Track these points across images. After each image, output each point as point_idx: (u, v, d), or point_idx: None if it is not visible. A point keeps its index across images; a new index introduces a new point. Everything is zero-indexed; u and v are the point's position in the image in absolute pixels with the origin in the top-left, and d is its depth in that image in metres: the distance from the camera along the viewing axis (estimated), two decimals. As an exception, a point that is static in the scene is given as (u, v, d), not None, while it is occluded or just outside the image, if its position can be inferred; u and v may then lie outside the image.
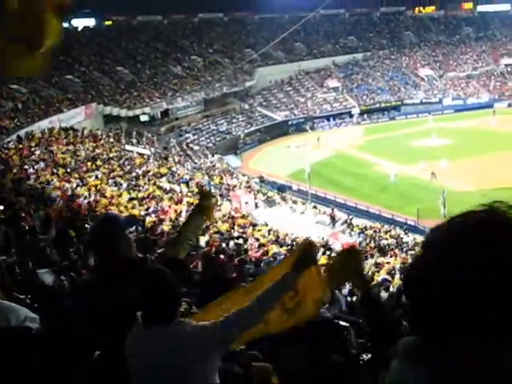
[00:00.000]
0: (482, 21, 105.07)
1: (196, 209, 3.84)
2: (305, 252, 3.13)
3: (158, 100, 67.74)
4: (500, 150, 49.38)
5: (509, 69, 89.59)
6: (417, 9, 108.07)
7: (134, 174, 36.42)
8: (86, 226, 14.32)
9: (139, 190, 31.98)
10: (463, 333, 1.01)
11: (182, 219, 24.92)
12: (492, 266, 1.01)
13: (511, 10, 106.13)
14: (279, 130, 70.09)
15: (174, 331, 2.97)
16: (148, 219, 23.74)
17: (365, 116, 76.65)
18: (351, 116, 76.49)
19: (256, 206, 38.15)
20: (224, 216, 29.82)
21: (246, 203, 36.92)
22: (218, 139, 65.27)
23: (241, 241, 22.79)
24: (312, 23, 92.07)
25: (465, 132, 60.23)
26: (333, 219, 36.18)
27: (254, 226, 30.64)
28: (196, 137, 64.32)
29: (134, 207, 26.23)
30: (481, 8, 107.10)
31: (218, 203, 31.66)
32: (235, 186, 41.65)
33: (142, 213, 25.36)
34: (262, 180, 48.30)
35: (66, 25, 77.23)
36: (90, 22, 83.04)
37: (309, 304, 3.25)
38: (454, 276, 1.03)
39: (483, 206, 1.22)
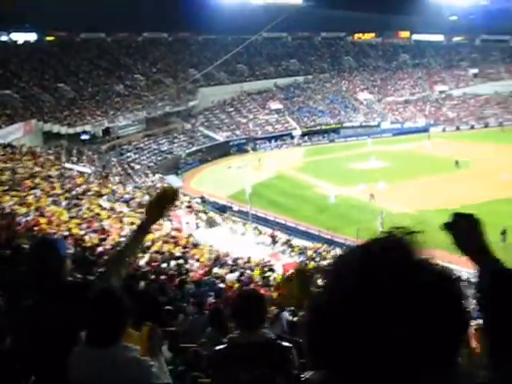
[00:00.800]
0: (418, 49, 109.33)
1: (140, 225, 3.57)
2: (161, 198, 3.33)
3: (100, 118, 67.09)
4: (435, 173, 51.31)
5: (443, 95, 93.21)
6: (356, 35, 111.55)
7: (74, 193, 35.90)
8: (24, 246, 14.11)
9: (79, 209, 31.54)
10: (373, 362, 0.97)
11: (124, 239, 24.77)
12: (388, 291, 0.99)
13: (444, 41, 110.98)
14: (221, 151, 70.40)
15: (114, 355, 2.93)
16: (87, 239, 23.48)
17: (305, 138, 78.05)
18: (292, 138, 77.76)
19: (197, 226, 38.16)
20: (165, 236, 29.74)
21: (187, 223, 36.89)
22: (159, 158, 64.99)
23: (182, 261, 22.83)
24: (255, 45, 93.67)
25: (402, 155, 62.14)
26: (273, 240, 36.53)
27: (195, 246, 30.67)
28: (137, 156, 63.87)
29: (73, 226, 25.88)
30: (416, 37, 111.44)
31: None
32: (176, 206, 41.53)
33: (82, 232, 25.05)
34: (203, 200, 48.36)
35: (4, 38, 75.77)
36: (31, 37, 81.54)
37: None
38: (357, 303, 0.99)
39: (383, 233, 1.16)
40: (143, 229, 3.44)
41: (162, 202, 3.26)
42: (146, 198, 41.26)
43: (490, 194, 42.72)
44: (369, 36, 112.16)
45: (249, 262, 27.16)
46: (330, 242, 35.69)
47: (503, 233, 32.80)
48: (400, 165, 56.80)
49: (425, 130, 78.52)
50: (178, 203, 42.11)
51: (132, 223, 28.40)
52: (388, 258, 1.06)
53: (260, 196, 45.23)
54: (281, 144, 76.34)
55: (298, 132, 78.33)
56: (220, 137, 74.18)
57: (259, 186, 49.74)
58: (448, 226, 1.89)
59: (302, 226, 39.30)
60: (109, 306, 3.00)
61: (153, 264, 20.29)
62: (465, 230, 1.82)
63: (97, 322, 3.01)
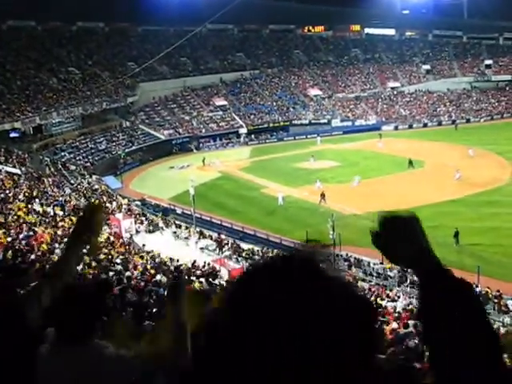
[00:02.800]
0: (370, 43, 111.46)
1: (75, 232, 3.28)
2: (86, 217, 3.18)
3: (31, 114, 65.87)
4: (387, 172, 52.63)
5: (395, 92, 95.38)
6: (306, 28, 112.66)
7: (2, 196, 35.37)
8: None
9: (8, 214, 31.10)
10: None
11: (58, 245, 24.66)
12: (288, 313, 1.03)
13: (396, 35, 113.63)
14: (162, 150, 70.17)
15: (88, 353, 2.88)
16: (18, 246, 23.26)
17: (252, 136, 78.65)
18: (238, 136, 78.29)
19: (137, 230, 38.12)
20: (103, 242, 29.64)
21: (127, 228, 36.83)
22: (96, 158, 64.30)
23: (121, 268, 22.87)
24: (199, 38, 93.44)
25: (353, 154, 63.45)
26: (219, 244, 36.79)
27: (136, 251, 30.71)
28: (72, 155, 63.00)
29: (1, 233, 25.55)
30: (368, 30, 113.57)
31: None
32: (114, 210, 41.29)
33: (10, 239, 24.76)
34: (143, 203, 48.27)
35: None
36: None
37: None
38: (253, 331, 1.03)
39: (290, 252, 1.19)
40: (70, 248, 3.26)
41: (89, 220, 3.13)
42: (83, 200, 40.97)
43: (443, 195, 44.19)
44: (319, 29, 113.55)
45: (193, 268, 27.40)
46: (279, 246, 36.14)
47: (456, 235, 33.97)
48: (350, 164, 58.00)
49: (377, 128, 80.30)
50: (116, 206, 41.96)
51: (67, 228, 28.23)
52: (290, 276, 1.06)
53: (204, 198, 45.46)
54: (226, 143, 76.76)
55: (244, 130, 78.82)
56: (162, 135, 73.99)
57: (203, 187, 50.01)
58: (376, 236, 1.62)
59: (250, 229, 39.66)
60: (78, 302, 3.00)
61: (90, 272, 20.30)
62: (399, 234, 1.53)
63: (68, 318, 2.96)
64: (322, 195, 44.72)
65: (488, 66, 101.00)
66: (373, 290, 27.83)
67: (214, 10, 74.55)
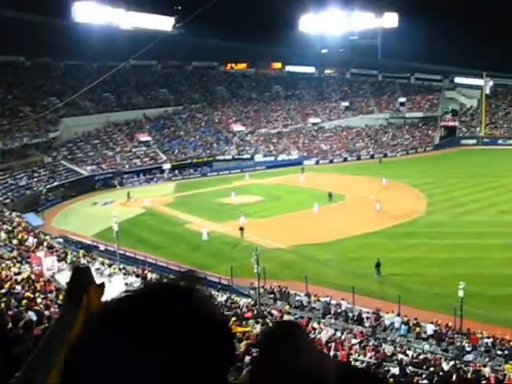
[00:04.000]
0: (291, 80, 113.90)
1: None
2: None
3: None
4: (308, 206, 53.30)
5: (315, 128, 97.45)
6: (229, 65, 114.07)
7: None
8: None
9: None
10: None
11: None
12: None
13: (316, 73, 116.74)
14: (85, 186, 68.77)
15: None
16: None
17: (176, 172, 78.23)
18: (162, 171, 77.66)
19: (59, 268, 36.98)
20: (23, 281, 28.57)
21: (49, 266, 35.68)
22: (16, 195, 62.25)
23: (42, 307, 22.08)
24: (122, 73, 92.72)
25: (275, 189, 64.04)
26: (144, 280, 36.15)
27: (58, 290, 29.72)
28: (-9, 192, 60.82)
29: None
30: (289, 68, 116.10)
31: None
32: (36, 247, 40.00)
33: None
34: (65, 240, 46.93)
35: None
36: None
37: None
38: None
39: (167, 282, 1.20)
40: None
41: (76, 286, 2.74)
42: (2, 235, 39.60)
43: (364, 227, 45.14)
44: (241, 66, 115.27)
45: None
46: (204, 282, 35.71)
47: (377, 266, 34.59)
48: (273, 199, 58.56)
49: (298, 162, 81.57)
50: (37, 243, 40.66)
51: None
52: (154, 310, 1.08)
53: (128, 234, 44.71)
54: (150, 178, 75.99)
55: (168, 165, 78.39)
56: (84, 171, 72.57)
57: (127, 223, 49.19)
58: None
59: (174, 265, 39.11)
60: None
61: (10, 312, 19.46)
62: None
63: None
64: (241, 229, 45.07)
65: (402, 104, 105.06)
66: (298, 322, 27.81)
67: (137, 47, 74.22)
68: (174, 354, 1.05)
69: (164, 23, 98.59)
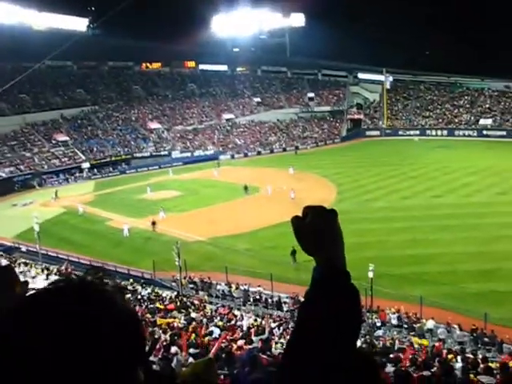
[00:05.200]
0: (204, 78, 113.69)
1: None
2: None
3: None
4: (225, 199, 53.75)
5: (230, 123, 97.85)
6: (144, 64, 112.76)
7: None
8: None
9: None
10: None
11: None
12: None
13: (228, 71, 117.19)
14: (4, 188, 65.97)
15: None
16: None
17: (95, 170, 76.73)
18: (81, 171, 75.94)
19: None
20: None
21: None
22: None
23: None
24: (38, 74, 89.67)
25: (193, 183, 64.05)
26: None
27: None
28: None
29: None
30: (202, 66, 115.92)
31: None
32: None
33: None
34: (-15, 242, 45.22)
35: None
36: None
37: None
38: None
39: (71, 278, 1.17)
40: None
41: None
42: None
43: (279, 217, 45.70)
44: (156, 65, 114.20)
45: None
46: (128, 276, 35.48)
47: (293, 253, 35.10)
48: (191, 193, 58.56)
49: (215, 157, 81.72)
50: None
51: None
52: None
53: (50, 234, 43.60)
54: (70, 178, 74.11)
55: (87, 165, 76.74)
56: (2, 173, 69.90)
57: (48, 223, 47.99)
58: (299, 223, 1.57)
59: (97, 262, 38.49)
60: None
61: None
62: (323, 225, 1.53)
63: None
64: (154, 223, 45.12)
65: (310, 99, 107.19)
66: (220, 311, 28.07)
67: (52, 47, 72.11)
68: (83, 347, 1.04)
69: (78, 24, 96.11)
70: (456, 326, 25.04)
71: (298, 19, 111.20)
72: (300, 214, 1.58)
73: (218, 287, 33.21)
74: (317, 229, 1.53)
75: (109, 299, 1.14)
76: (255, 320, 26.63)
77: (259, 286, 31.94)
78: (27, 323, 1.05)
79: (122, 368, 1.10)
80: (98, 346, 1.05)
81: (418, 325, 26.25)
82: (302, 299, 1.48)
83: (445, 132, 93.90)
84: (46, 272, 35.99)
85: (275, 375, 1.51)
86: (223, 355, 13.80)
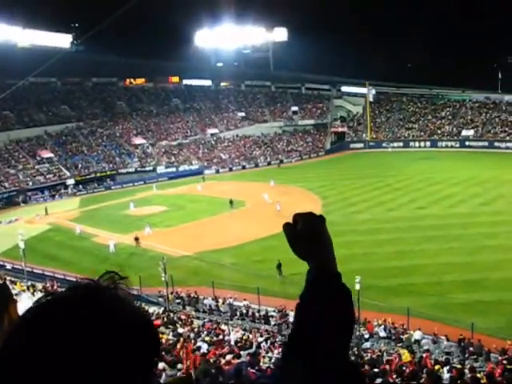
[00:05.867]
0: (188, 93, 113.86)
1: None
2: None
3: None
4: (211, 214, 53.71)
5: (214, 138, 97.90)
6: (128, 80, 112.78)
7: None
8: None
9: None
10: None
11: None
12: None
13: (212, 85, 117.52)
14: (-12, 205, 65.76)
15: None
16: None
17: (80, 187, 76.33)
18: (66, 187, 75.53)
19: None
20: None
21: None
22: None
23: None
24: (22, 91, 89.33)
25: (179, 198, 63.93)
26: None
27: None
28: None
29: None
30: (186, 82, 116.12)
31: None
32: None
33: None
34: (-30, 260, 44.72)
35: None
36: None
37: None
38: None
39: (87, 282, 1.20)
40: None
41: None
42: None
43: (265, 230, 45.68)
44: (140, 81, 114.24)
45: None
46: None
47: (278, 266, 35.13)
48: (178, 208, 58.42)
49: (199, 172, 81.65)
50: None
51: None
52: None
53: (35, 251, 43.20)
54: (55, 194, 73.62)
55: (71, 181, 76.41)
56: (-14, 190, 69.40)
57: (34, 240, 47.64)
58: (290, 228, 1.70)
59: (83, 279, 38.08)
60: None
61: None
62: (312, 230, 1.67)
63: None
64: (136, 239, 45.05)
65: (294, 112, 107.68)
66: (207, 326, 27.93)
67: (35, 64, 71.90)
68: (99, 350, 1.05)
69: (62, 40, 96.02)
70: (443, 337, 25.12)
71: (280, 34, 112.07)
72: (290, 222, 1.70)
73: (205, 301, 33.05)
74: (308, 234, 1.63)
75: (120, 303, 1.16)
76: (243, 334, 26.54)
77: (245, 299, 31.87)
78: (33, 330, 1.07)
79: (136, 370, 1.11)
80: (108, 348, 1.06)
81: (406, 336, 26.28)
82: (297, 303, 1.56)
83: (428, 143, 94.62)
84: (31, 289, 35.68)
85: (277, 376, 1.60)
86: (213, 370, 13.75)
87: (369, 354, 23.20)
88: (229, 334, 26.18)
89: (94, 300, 1.12)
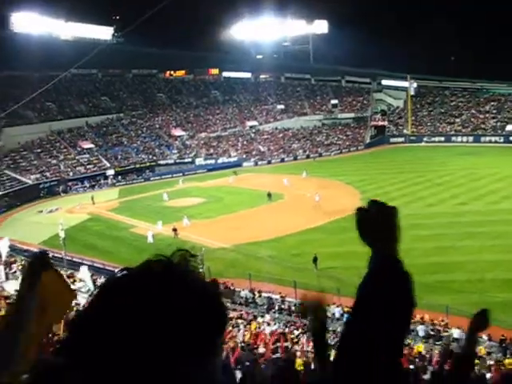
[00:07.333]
0: (228, 85, 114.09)
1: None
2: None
3: None
4: (249, 206, 53.70)
5: (253, 130, 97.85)
6: (168, 72, 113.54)
7: None
8: None
9: None
10: None
11: None
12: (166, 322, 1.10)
13: (252, 78, 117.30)
14: (30, 194, 66.90)
15: None
16: None
17: (120, 177, 77.22)
18: (106, 178, 76.54)
19: (6, 277, 36.00)
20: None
21: (-4, 275, 34.70)
22: (-40, 205, 60.23)
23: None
24: (64, 82, 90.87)
25: (217, 190, 64.08)
26: (95, 285, 35.59)
27: (7, 298, 28.96)
28: None
29: None
30: (226, 74, 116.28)
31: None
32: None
33: None
34: (12, 248, 45.64)
35: None
36: None
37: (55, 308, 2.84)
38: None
39: (161, 258, 1.26)
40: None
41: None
42: None
43: (304, 224, 45.59)
44: (180, 73, 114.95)
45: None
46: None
47: (314, 260, 35.01)
48: (216, 200, 58.58)
49: (238, 164, 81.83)
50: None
51: None
52: (167, 289, 1.15)
53: (75, 240, 43.94)
54: (94, 185, 74.64)
55: (111, 172, 77.30)
56: (28, 180, 70.69)
57: (73, 229, 48.40)
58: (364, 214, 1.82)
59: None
60: None
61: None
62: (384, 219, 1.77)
63: None
64: (175, 230, 45.13)
65: (334, 106, 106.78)
66: (244, 317, 27.93)
67: (77, 56, 72.97)
68: (170, 321, 1.11)
69: (103, 33, 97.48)
70: (485, 337, 24.59)
71: (321, 26, 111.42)
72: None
73: (242, 293, 33.07)
74: (379, 221, 1.76)
75: (191, 277, 1.22)
76: (279, 327, 26.47)
77: (280, 292, 31.76)
78: (111, 298, 1.16)
79: (204, 340, 1.17)
80: (179, 319, 1.12)
81: (446, 334, 25.84)
82: (359, 284, 1.69)
83: (470, 138, 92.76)
84: (71, 279, 36.18)
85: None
86: (247, 363, 13.68)
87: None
88: (265, 327, 26.13)
89: (167, 274, 1.19)
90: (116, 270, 1.26)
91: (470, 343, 3.87)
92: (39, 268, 2.58)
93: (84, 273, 35.74)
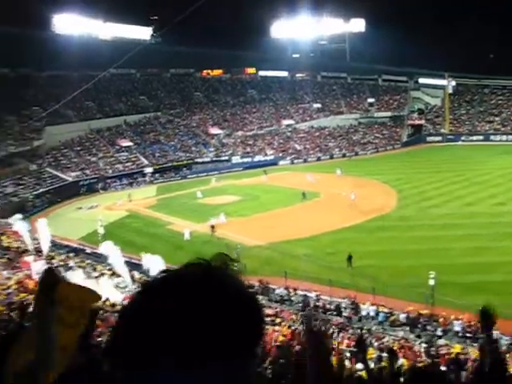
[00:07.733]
0: (264, 84, 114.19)
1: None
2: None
3: None
4: (285, 205, 53.73)
5: (289, 129, 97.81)
6: (205, 71, 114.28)
7: None
8: None
9: None
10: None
11: None
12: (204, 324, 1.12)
13: (288, 77, 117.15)
14: (70, 191, 68.22)
15: None
16: None
17: (157, 175, 78.04)
18: (144, 175, 77.44)
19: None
20: (15, 284, 28.39)
21: (38, 270, 35.40)
22: (3, 202, 61.59)
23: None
24: (103, 82, 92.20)
25: (253, 189, 64.24)
26: (133, 280, 36.07)
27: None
28: (-22, 200, 60.08)
29: None
30: (262, 73, 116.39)
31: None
32: (24, 252, 39.67)
33: None
34: (53, 244, 46.58)
35: None
36: None
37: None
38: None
39: (200, 262, 1.27)
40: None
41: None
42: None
43: (338, 222, 45.55)
44: (217, 72, 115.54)
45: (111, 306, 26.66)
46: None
47: (349, 259, 35.01)
48: (252, 198, 58.77)
49: (274, 162, 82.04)
50: (25, 248, 40.36)
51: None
52: (206, 292, 1.16)
53: (113, 236, 44.44)
54: (132, 182, 75.62)
55: (149, 169, 78.20)
56: (69, 177, 72.02)
57: (112, 226, 49.15)
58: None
59: (159, 265, 39.09)
60: None
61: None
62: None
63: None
64: (212, 227, 45.39)
65: (371, 104, 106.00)
66: (281, 315, 28.09)
67: (116, 56, 74.02)
68: (209, 322, 1.12)
69: (142, 33, 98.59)
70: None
71: (358, 24, 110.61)
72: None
73: (277, 291, 33.20)
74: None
75: (230, 281, 1.22)
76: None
77: (315, 290, 31.84)
78: (152, 298, 1.17)
79: (239, 344, 1.17)
80: (217, 321, 1.13)
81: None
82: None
83: (510, 137, 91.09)
84: (109, 273, 36.85)
85: None
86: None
87: (441, 351, 22.70)
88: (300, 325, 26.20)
89: (207, 276, 1.19)
90: (158, 272, 1.28)
91: (489, 343, 4.04)
92: (53, 282, 2.55)
93: (122, 268, 36.18)
